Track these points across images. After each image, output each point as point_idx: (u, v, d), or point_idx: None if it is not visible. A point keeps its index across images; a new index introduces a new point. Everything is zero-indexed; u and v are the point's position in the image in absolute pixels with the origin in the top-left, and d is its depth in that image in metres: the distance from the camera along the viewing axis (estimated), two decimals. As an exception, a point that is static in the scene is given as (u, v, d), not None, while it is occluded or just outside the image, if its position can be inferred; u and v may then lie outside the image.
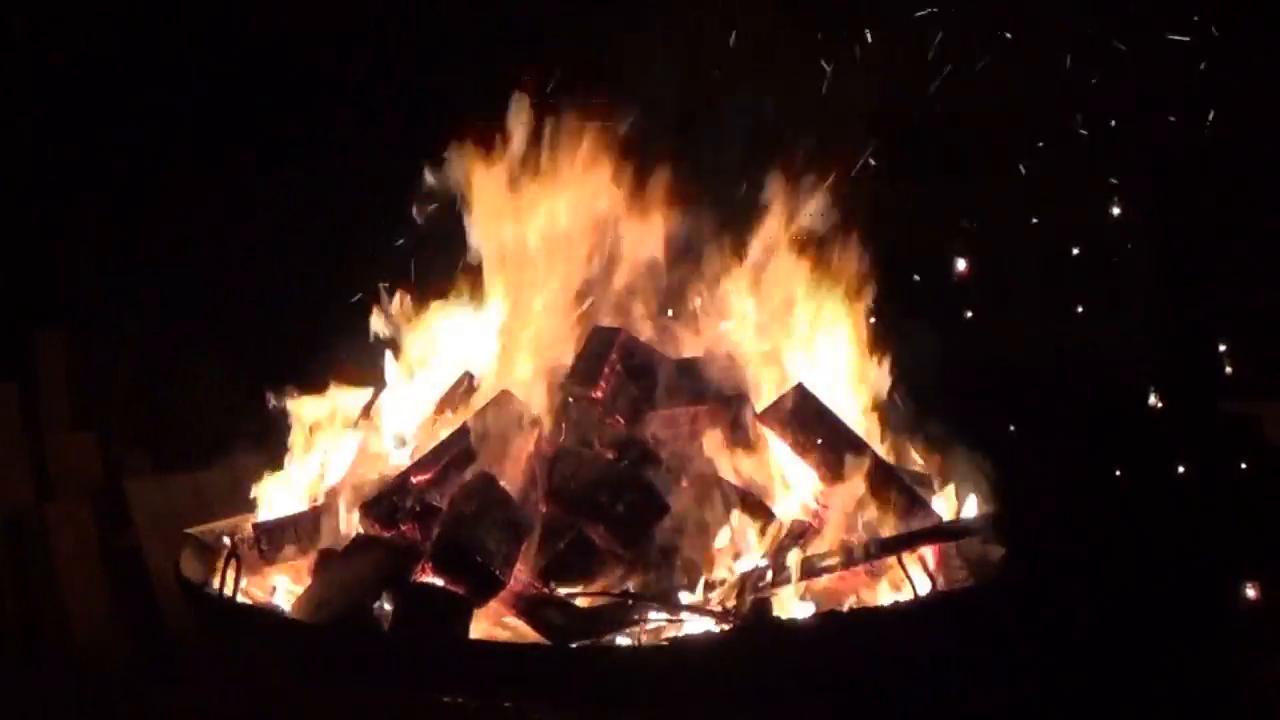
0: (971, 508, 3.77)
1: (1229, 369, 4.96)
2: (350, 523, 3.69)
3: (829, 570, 3.42)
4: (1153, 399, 4.95)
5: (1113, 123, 4.91)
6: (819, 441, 3.69)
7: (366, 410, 4.11)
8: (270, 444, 4.12)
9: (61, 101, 5.46)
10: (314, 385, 4.17)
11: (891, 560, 3.44)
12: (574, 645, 3.17)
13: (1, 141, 5.33)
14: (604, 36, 4.60)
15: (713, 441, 3.67)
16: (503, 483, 3.53)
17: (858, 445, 3.71)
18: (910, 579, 3.40)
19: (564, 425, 3.73)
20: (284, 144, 5.38)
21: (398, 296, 4.20)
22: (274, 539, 3.72)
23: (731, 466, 3.67)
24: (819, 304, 4.06)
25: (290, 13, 5.35)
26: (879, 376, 4.05)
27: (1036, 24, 4.79)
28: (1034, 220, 4.98)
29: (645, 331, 3.95)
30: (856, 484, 3.59)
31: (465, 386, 4.06)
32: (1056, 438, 4.66)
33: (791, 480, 3.73)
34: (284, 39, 5.42)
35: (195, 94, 5.49)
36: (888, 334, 4.13)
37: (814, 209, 4.05)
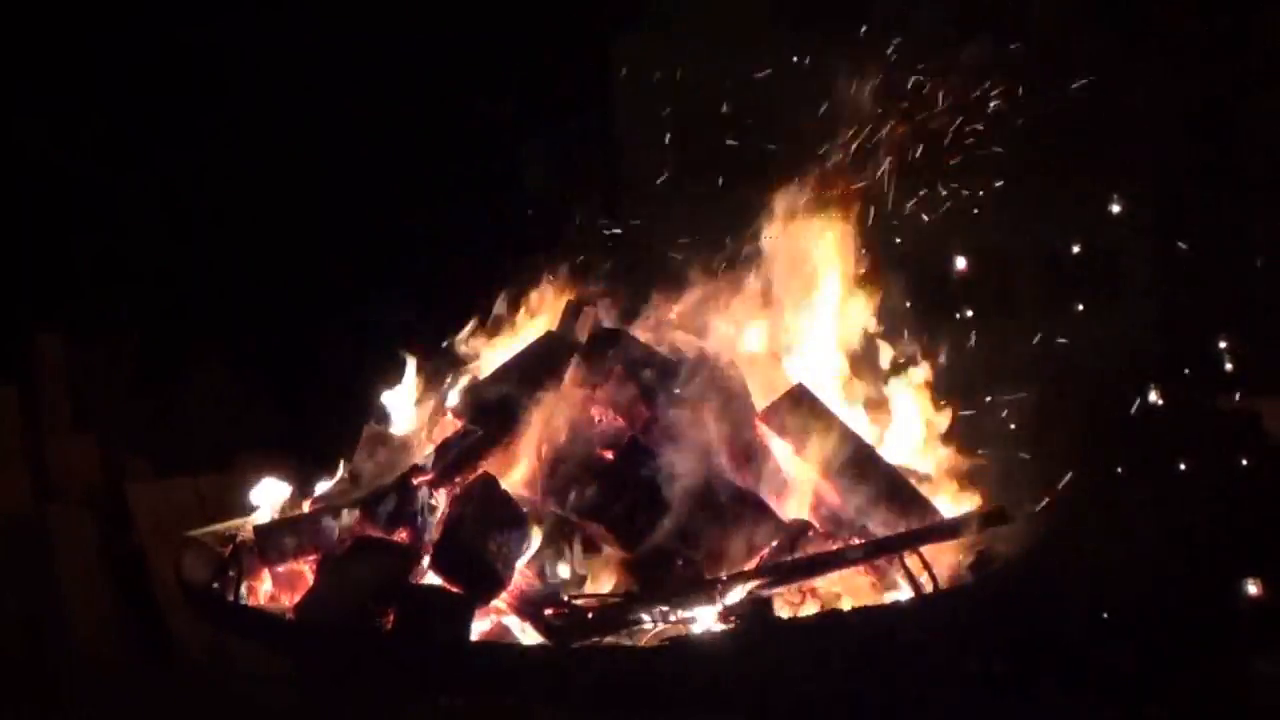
0: (972, 506, 3.76)
1: (1229, 365, 4.96)
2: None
3: (829, 569, 3.41)
4: (1153, 395, 4.95)
5: (1115, 122, 4.91)
6: (819, 441, 3.68)
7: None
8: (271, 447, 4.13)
9: (64, 105, 5.47)
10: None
11: (892, 559, 3.44)
12: (574, 645, 3.17)
13: (3, 144, 5.34)
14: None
15: (713, 441, 3.67)
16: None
17: (858, 444, 3.70)
18: (911, 578, 3.39)
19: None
20: (285, 147, 5.40)
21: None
22: (275, 541, 3.71)
23: (731, 466, 3.66)
24: (829, 300, 4.06)
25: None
26: (882, 373, 4.05)
27: (1039, 25, 4.79)
28: (1035, 220, 4.97)
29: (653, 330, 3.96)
30: (857, 483, 3.59)
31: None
32: (1057, 435, 4.66)
33: (792, 479, 3.73)
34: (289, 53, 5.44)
35: (201, 98, 5.51)
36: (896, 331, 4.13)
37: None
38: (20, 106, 5.38)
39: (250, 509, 3.95)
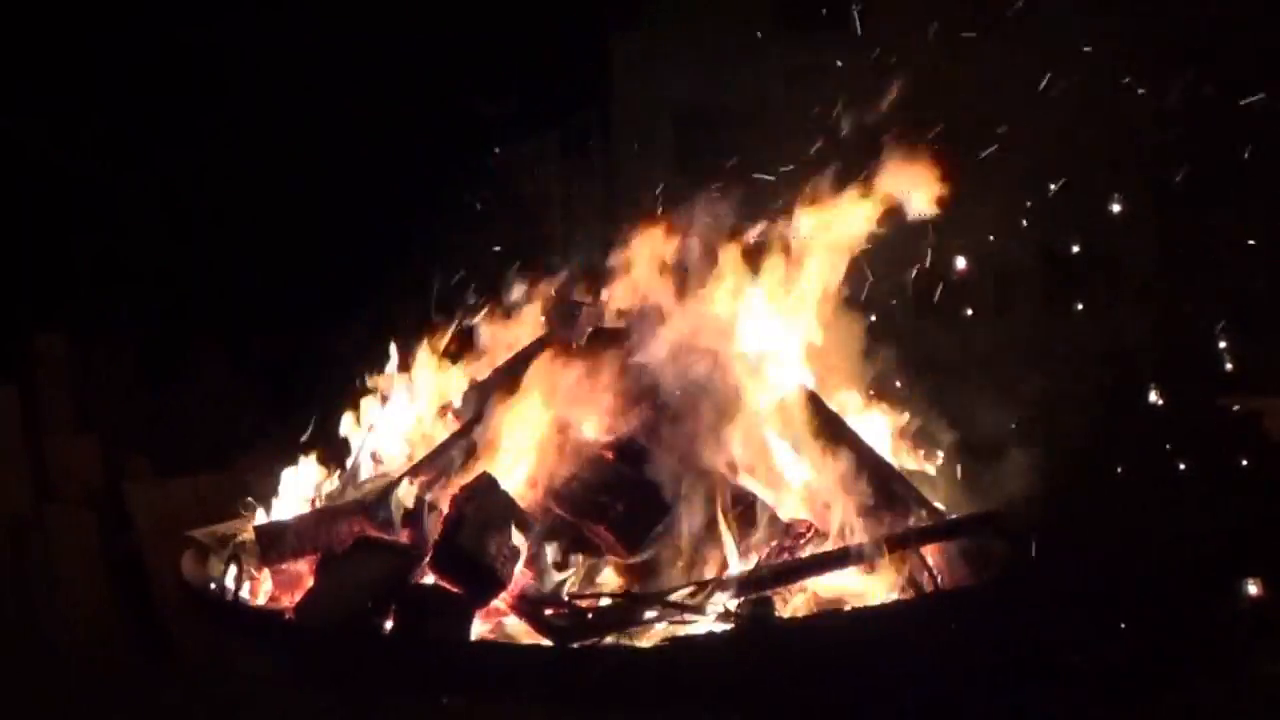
0: (973, 506, 3.76)
1: (1228, 365, 4.96)
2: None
3: (829, 570, 3.42)
4: (1153, 395, 4.95)
5: (1114, 122, 4.91)
6: (818, 442, 3.69)
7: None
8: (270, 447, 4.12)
9: (64, 105, 5.47)
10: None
11: (893, 559, 3.44)
12: (574, 645, 3.17)
13: (3, 144, 5.34)
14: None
15: (714, 442, 3.67)
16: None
17: (860, 445, 3.70)
18: (912, 578, 3.39)
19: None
20: (285, 147, 5.40)
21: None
22: (275, 541, 3.71)
23: (733, 467, 3.66)
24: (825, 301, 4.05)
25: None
26: (883, 374, 4.05)
27: (1039, 26, 4.79)
28: (1035, 219, 4.97)
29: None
30: (859, 484, 3.59)
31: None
32: (1058, 434, 4.65)
33: (793, 481, 3.73)
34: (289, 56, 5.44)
35: (201, 97, 5.51)
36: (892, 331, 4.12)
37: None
38: (20, 106, 5.38)
39: (250, 509, 3.95)
